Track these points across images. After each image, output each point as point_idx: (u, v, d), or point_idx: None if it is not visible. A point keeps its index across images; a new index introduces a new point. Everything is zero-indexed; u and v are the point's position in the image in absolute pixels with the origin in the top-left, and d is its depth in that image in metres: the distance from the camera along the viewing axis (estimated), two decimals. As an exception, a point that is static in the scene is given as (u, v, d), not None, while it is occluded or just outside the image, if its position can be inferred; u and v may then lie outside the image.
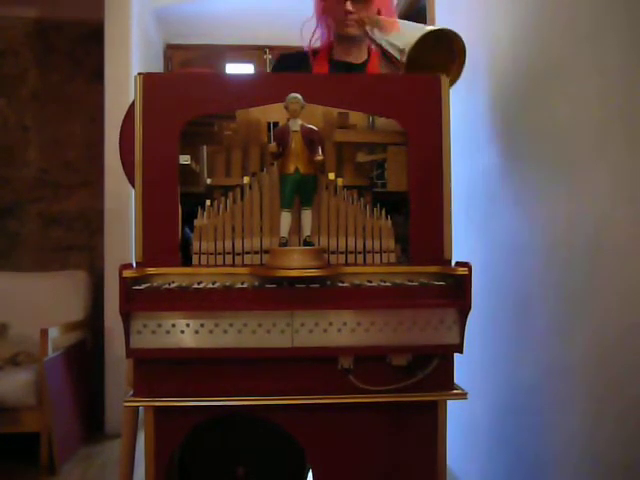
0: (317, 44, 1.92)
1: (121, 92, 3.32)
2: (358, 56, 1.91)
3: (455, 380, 1.32)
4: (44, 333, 2.88)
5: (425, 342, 1.24)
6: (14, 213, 3.84)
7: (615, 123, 1.47)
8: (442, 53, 1.46)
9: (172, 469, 1.55)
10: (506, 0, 2.12)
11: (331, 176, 1.36)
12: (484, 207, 2.33)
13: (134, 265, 1.26)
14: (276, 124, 1.40)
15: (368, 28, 1.67)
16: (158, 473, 1.29)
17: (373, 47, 1.83)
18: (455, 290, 1.26)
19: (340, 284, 1.25)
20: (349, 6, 1.76)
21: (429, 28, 1.42)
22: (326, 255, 1.31)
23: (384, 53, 1.59)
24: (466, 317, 1.25)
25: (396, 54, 1.43)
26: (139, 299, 1.21)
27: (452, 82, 1.44)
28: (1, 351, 3.19)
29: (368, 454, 1.33)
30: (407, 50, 1.38)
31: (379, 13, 1.79)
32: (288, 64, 1.91)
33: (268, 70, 4.13)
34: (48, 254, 3.84)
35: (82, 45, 3.91)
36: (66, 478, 2.79)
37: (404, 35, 1.42)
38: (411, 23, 1.54)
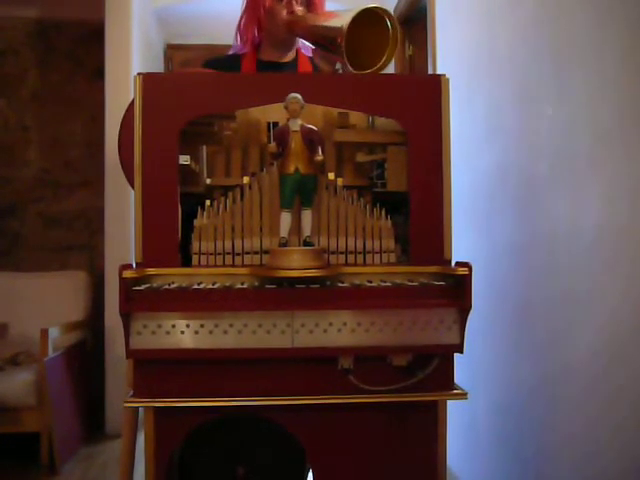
0: (247, 45, 1.85)
1: (121, 92, 3.32)
2: (286, 55, 1.87)
3: (455, 380, 1.32)
4: (44, 333, 2.88)
5: (425, 342, 1.24)
6: (14, 213, 3.85)
7: (616, 123, 1.47)
8: (378, 34, 1.42)
9: (172, 469, 1.55)
10: (507, 0, 2.12)
11: (331, 176, 1.36)
12: (484, 207, 2.33)
13: (134, 265, 1.26)
14: (276, 124, 1.39)
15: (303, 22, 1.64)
16: (158, 473, 1.29)
17: (306, 43, 1.77)
18: (455, 290, 1.25)
19: (340, 284, 1.25)
20: (295, 7, 1.73)
21: (365, 6, 1.39)
22: (326, 255, 1.31)
23: (319, 44, 1.56)
24: (466, 317, 1.25)
25: (335, 36, 1.40)
26: (139, 299, 1.21)
27: (386, 62, 1.41)
28: (1, 351, 3.19)
29: (368, 454, 1.33)
30: (345, 26, 1.35)
31: (313, 6, 1.76)
32: (216, 68, 1.81)
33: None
34: (48, 254, 3.84)
35: (82, 45, 3.91)
36: (66, 478, 2.79)
37: (342, 17, 1.40)
38: (346, 8, 1.50)
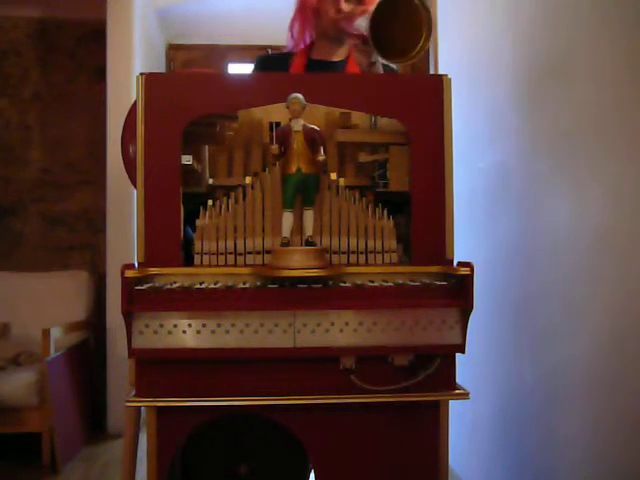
0: (299, 44, 1.89)
1: (123, 92, 3.32)
2: (338, 55, 1.89)
3: (457, 380, 1.32)
4: (46, 333, 2.88)
5: (427, 342, 1.24)
6: (16, 213, 3.85)
7: (618, 124, 1.47)
8: (410, 28, 1.43)
9: (174, 468, 1.56)
10: (509, 0, 2.12)
11: (333, 176, 1.36)
12: (486, 207, 2.33)
13: (136, 265, 1.26)
14: (278, 124, 1.39)
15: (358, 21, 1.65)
16: (160, 473, 1.29)
17: (356, 42, 1.80)
18: (457, 290, 1.25)
19: (342, 284, 1.25)
20: (343, 5, 1.76)
21: None
22: (328, 255, 1.31)
23: (364, 40, 1.58)
24: (468, 317, 1.25)
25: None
26: (141, 299, 1.21)
27: (418, 54, 1.42)
28: (3, 351, 3.19)
29: (370, 454, 1.33)
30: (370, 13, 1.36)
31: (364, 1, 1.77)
32: (267, 66, 1.87)
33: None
34: (50, 254, 3.84)
35: (84, 45, 3.91)
36: (68, 478, 2.79)
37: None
38: None
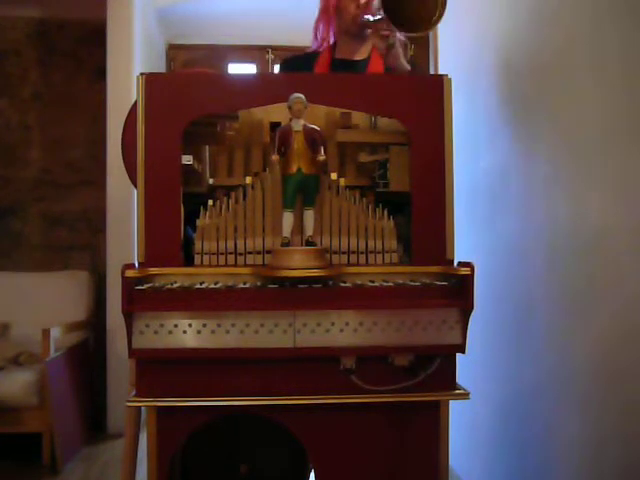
0: (323, 44, 1.93)
1: (123, 92, 3.31)
2: (360, 53, 1.92)
3: (457, 380, 1.32)
4: (46, 333, 2.88)
5: (427, 342, 1.24)
6: (16, 213, 3.85)
7: (618, 123, 1.47)
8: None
9: (174, 468, 1.55)
10: (508, 0, 2.12)
11: (333, 176, 1.36)
12: (486, 207, 2.33)
13: (136, 265, 1.26)
14: (278, 124, 1.39)
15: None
16: (161, 472, 1.29)
17: (378, 28, 1.80)
18: (457, 290, 1.25)
19: (342, 284, 1.25)
20: (362, 1, 1.78)
21: None
22: (328, 255, 1.31)
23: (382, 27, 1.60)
24: (468, 317, 1.25)
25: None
26: (141, 299, 1.21)
27: (434, 24, 1.42)
28: (3, 351, 3.19)
29: (370, 454, 1.33)
30: None
31: None
32: (292, 66, 1.93)
33: (270, 70, 4.13)
34: (50, 254, 3.84)
35: (84, 45, 3.91)
36: (68, 478, 2.79)
37: None
38: None
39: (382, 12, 1.41)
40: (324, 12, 1.91)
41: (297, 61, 1.95)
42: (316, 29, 1.95)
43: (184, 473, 1.64)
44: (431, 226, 1.31)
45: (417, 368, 1.27)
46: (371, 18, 1.69)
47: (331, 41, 1.95)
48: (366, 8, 1.76)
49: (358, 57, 1.92)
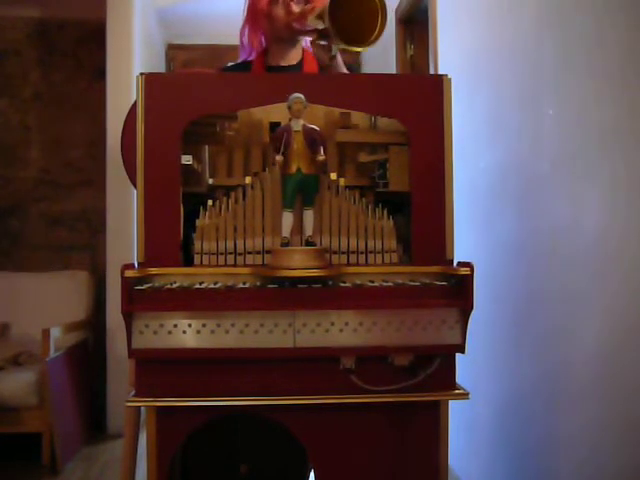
0: (252, 53, 1.88)
1: (123, 92, 3.32)
2: (293, 57, 1.88)
3: (457, 380, 1.32)
4: (46, 333, 2.88)
5: (427, 342, 1.24)
6: (16, 213, 3.85)
7: (618, 123, 1.47)
8: (366, 13, 1.41)
9: (174, 468, 1.55)
10: (508, 1, 2.12)
11: (333, 176, 1.36)
12: (486, 207, 2.33)
13: (136, 265, 1.26)
14: (278, 124, 1.39)
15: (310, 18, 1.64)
16: (160, 473, 1.29)
17: (313, 38, 1.78)
18: (457, 290, 1.25)
19: (342, 284, 1.25)
20: (293, 6, 1.74)
21: None
22: (328, 255, 1.31)
23: (320, 34, 1.57)
24: (468, 317, 1.25)
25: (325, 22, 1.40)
26: (141, 299, 1.21)
27: (374, 40, 1.40)
28: (3, 351, 3.19)
29: (370, 454, 1.33)
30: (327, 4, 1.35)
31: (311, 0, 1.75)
32: None
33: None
34: (50, 254, 3.84)
35: (84, 45, 3.91)
36: (68, 478, 2.80)
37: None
38: None
39: (327, 22, 1.38)
40: (252, 18, 1.86)
41: (234, 70, 1.90)
42: (242, 36, 1.90)
43: (184, 473, 1.64)
44: (431, 226, 1.31)
45: (417, 368, 1.27)
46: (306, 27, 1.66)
47: (260, 48, 1.89)
48: (299, 16, 1.70)
49: (292, 62, 1.88)
